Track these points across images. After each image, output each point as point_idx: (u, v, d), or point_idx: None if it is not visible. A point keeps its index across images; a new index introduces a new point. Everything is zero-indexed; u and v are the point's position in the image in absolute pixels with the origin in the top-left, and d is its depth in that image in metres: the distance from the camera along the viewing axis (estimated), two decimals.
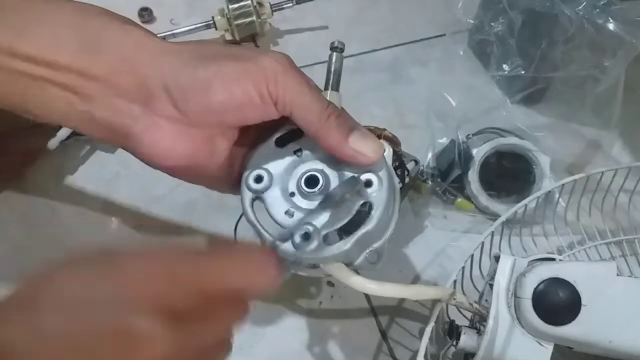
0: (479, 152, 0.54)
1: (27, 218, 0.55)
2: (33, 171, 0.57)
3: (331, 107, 0.31)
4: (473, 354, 0.39)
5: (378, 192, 0.32)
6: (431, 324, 0.41)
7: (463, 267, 0.45)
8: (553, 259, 0.40)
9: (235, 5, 0.63)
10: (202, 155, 0.33)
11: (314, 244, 0.30)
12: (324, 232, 0.31)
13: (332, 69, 0.35)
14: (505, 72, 0.58)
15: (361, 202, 0.32)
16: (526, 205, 0.48)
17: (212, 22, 0.64)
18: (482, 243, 0.46)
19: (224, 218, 0.50)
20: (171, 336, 0.23)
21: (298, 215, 0.32)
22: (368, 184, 0.32)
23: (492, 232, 0.46)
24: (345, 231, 0.32)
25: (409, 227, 0.55)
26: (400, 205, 0.36)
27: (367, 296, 0.51)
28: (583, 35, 0.53)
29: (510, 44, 0.57)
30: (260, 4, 0.64)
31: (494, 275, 0.39)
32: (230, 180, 0.35)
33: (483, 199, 0.54)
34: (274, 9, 0.65)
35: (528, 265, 0.39)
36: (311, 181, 0.32)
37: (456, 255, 0.53)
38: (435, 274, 0.53)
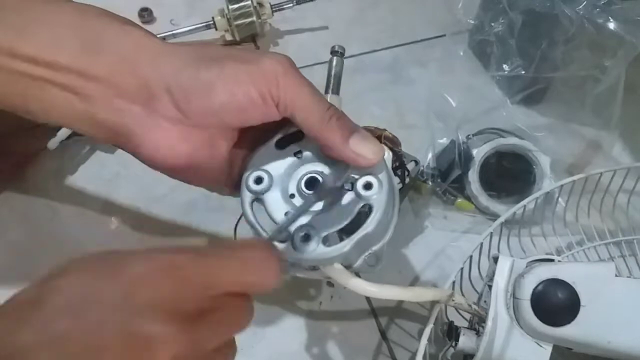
0: (479, 153, 0.54)
1: (27, 218, 0.55)
2: (33, 171, 0.57)
3: (332, 109, 0.31)
4: (472, 355, 0.39)
5: (378, 194, 0.32)
6: (430, 325, 0.41)
7: (462, 269, 0.45)
8: (552, 260, 0.40)
9: (236, 6, 0.63)
10: (203, 156, 0.33)
11: (313, 245, 0.30)
12: (324, 234, 0.31)
13: (333, 73, 0.35)
14: (506, 73, 0.58)
15: (361, 204, 0.32)
16: (525, 206, 0.48)
17: (212, 22, 0.64)
18: (481, 244, 0.46)
19: (224, 218, 0.50)
20: (183, 338, 0.23)
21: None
22: (368, 186, 0.32)
23: (491, 233, 0.46)
24: (345, 233, 0.32)
25: (409, 228, 0.55)
26: (401, 205, 0.36)
27: (367, 297, 0.52)
28: (583, 35, 0.53)
29: (511, 44, 0.57)
30: (261, 5, 0.64)
31: (493, 276, 0.39)
32: (230, 182, 0.35)
33: (483, 199, 0.54)
34: (274, 9, 0.65)
35: (527, 266, 0.39)
36: (311, 183, 0.33)
37: (456, 256, 0.53)
38: (436, 275, 0.53)
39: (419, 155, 0.54)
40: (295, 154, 0.34)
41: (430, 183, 0.56)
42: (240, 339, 0.28)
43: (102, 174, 0.58)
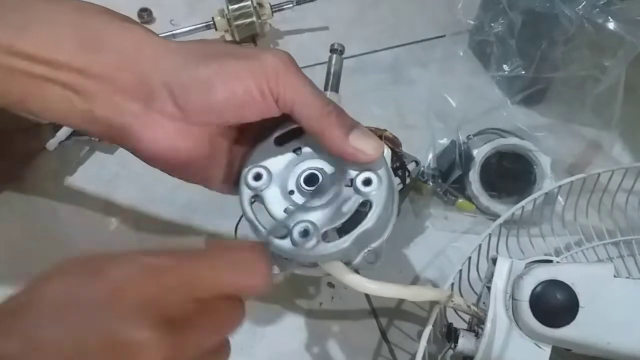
0: (479, 153, 0.54)
1: (27, 218, 0.55)
2: (33, 171, 0.57)
3: (332, 105, 0.31)
4: (471, 357, 0.39)
5: (377, 190, 0.32)
6: (429, 327, 0.41)
7: (460, 270, 0.45)
8: (550, 261, 0.40)
9: (236, 6, 0.63)
10: (202, 154, 0.33)
11: (312, 241, 0.30)
12: (323, 230, 0.31)
13: (332, 71, 0.35)
14: (506, 73, 0.58)
15: (361, 200, 0.32)
16: (523, 207, 0.48)
17: (212, 22, 0.64)
18: (480, 245, 0.46)
19: (224, 218, 0.50)
20: (168, 343, 0.22)
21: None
22: (367, 182, 0.32)
23: (490, 234, 0.46)
24: (345, 230, 0.32)
25: (409, 228, 0.55)
26: (401, 206, 0.36)
27: (367, 297, 0.52)
28: (583, 35, 0.53)
29: (511, 44, 0.57)
30: (261, 5, 0.64)
31: (492, 277, 0.39)
32: (230, 179, 0.35)
33: (484, 199, 0.54)
34: (274, 9, 0.65)
35: (525, 268, 0.39)
36: (311, 179, 0.32)
37: (457, 256, 0.53)
38: (436, 275, 0.53)
39: (419, 156, 0.54)
40: (294, 151, 0.34)
41: (430, 183, 0.56)
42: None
43: (102, 174, 0.58)
